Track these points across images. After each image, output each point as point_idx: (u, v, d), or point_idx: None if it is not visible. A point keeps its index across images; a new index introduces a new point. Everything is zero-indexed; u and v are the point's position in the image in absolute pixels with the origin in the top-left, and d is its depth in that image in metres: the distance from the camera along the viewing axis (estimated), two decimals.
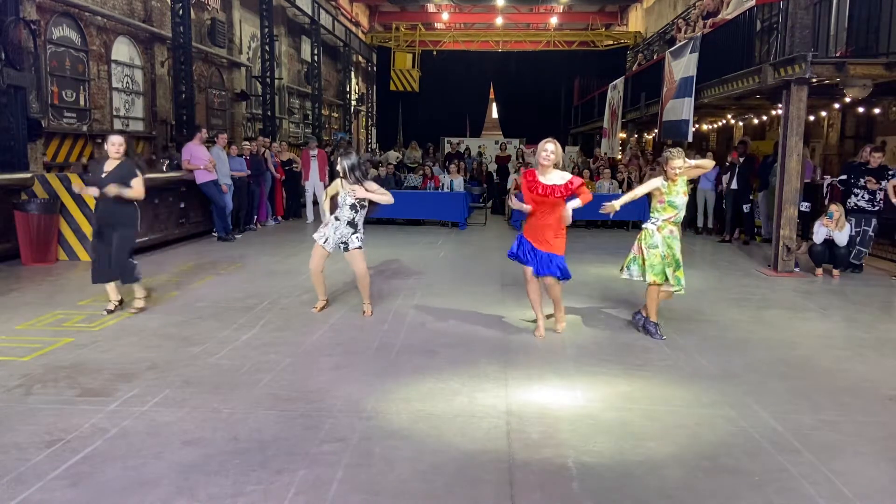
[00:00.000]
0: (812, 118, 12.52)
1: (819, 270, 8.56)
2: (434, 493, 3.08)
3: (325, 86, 24.47)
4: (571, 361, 4.99)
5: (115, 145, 6.00)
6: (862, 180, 8.67)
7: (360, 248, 6.07)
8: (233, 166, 11.35)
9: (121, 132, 6.16)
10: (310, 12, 21.44)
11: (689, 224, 12.93)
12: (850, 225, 8.48)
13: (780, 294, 7.56)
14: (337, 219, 6.05)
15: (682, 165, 5.52)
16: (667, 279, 5.53)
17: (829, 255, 8.50)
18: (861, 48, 8.97)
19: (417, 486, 3.13)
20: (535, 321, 5.77)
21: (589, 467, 3.33)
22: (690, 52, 11.59)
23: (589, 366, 4.89)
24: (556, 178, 5.41)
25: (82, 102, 12.09)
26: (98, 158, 6.17)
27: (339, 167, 5.97)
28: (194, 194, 10.80)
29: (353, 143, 24.54)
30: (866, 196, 8.67)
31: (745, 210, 11.39)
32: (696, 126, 13.66)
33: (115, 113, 13.14)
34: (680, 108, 11.97)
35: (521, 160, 17.40)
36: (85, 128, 12.07)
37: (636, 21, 28.59)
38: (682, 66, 11.91)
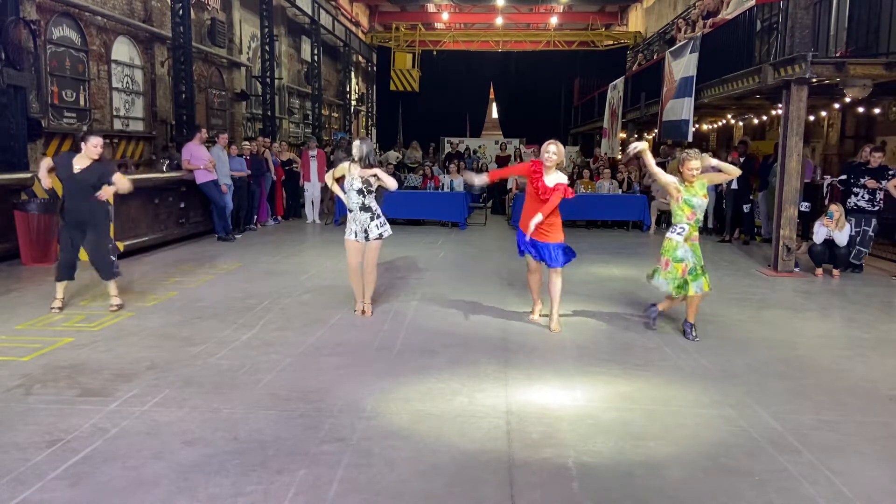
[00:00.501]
0: (812, 118, 12.52)
1: (819, 270, 8.56)
2: (434, 493, 3.08)
3: (325, 86, 24.47)
4: (571, 361, 4.99)
5: (96, 147, 5.91)
6: (862, 180, 8.67)
7: (379, 237, 6.08)
8: (233, 166, 11.36)
9: (105, 135, 6.13)
10: (310, 12, 21.44)
11: None
12: (850, 225, 8.48)
13: (780, 294, 7.56)
14: (350, 210, 6.07)
15: (700, 167, 5.39)
16: (684, 292, 5.48)
17: (829, 255, 8.50)
18: (861, 48, 8.97)
19: (417, 486, 3.13)
20: (531, 313, 6.14)
21: (589, 467, 3.33)
22: (690, 52, 11.60)
23: (589, 366, 4.89)
24: (554, 178, 5.65)
25: (82, 102, 12.09)
26: (62, 155, 6.09)
27: (355, 151, 5.96)
28: (194, 194, 10.81)
29: (352, 143, 24.50)
30: (866, 196, 8.67)
31: (745, 210, 11.39)
32: (696, 126, 13.66)
33: (115, 113, 13.14)
34: (680, 108, 11.97)
35: (520, 160, 17.41)
36: (85, 128, 12.06)
37: (636, 21, 28.58)
38: (682, 66, 11.91)
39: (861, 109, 11.99)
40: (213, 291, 7.13)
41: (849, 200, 8.80)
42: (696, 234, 5.55)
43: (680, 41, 13.22)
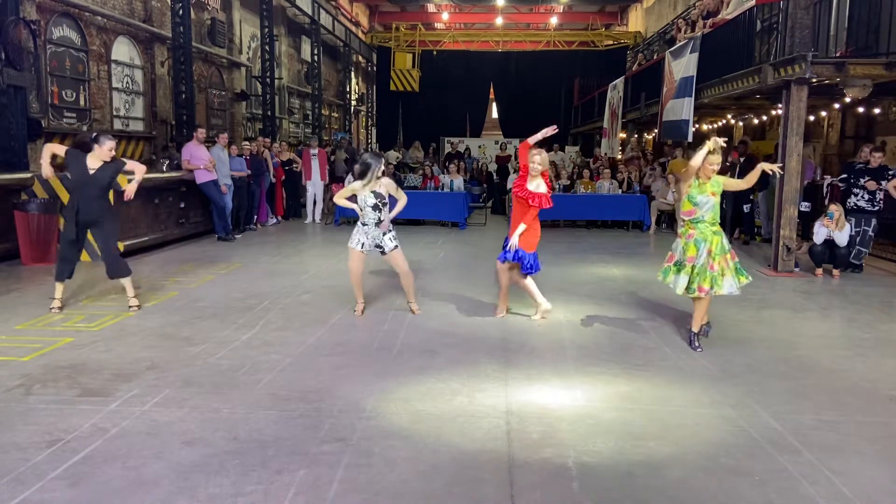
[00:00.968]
0: (812, 118, 12.52)
1: (819, 270, 8.56)
2: (434, 493, 3.08)
3: (325, 86, 24.47)
4: (571, 361, 4.99)
5: (111, 150, 5.98)
6: (862, 180, 8.67)
7: (396, 247, 6.08)
8: (233, 166, 11.36)
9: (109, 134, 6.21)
10: (310, 12, 21.45)
11: None
12: (850, 225, 8.48)
13: (780, 294, 7.56)
14: (364, 224, 6.02)
15: (720, 161, 5.25)
16: (666, 279, 5.45)
17: (829, 255, 8.49)
18: (861, 48, 8.97)
19: (417, 486, 3.13)
20: (535, 313, 6.20)
21: (589, 467, 3.33)
22: (690, 52, 11.60)
23: (589, 366, 4.89)
24: (535, 185, 5.86)
25: (82, 102, 12.10)
26: (73, 152, 6.11)
27: (370, 170, 5.90)
28: (194, 194, 10.81)
29: (353, 143, 24.53)
30: (866, 196, 8.67)
31: (745, 210, 11.39)
32: (696, 126, 13.66)
33: (115, 113, 13.15)
34: (680, 108, 11.97)
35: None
36: (85, 128, 12.07)
37: (636, 21, 28.59)
38: (682, 66, 11.91)
39: (861, 109, 11.99)
40: (213, 291, 7.13)
41: (849, 200, 8.80)
42: (692, 231, 5.33)
43: (680, 41, 13.23)
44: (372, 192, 5.94)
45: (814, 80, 8.24)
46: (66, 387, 4.30)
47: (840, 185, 9.17)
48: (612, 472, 3.29)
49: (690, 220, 5.35)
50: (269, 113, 18.03)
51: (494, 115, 32.43)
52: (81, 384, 4.34)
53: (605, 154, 17.26)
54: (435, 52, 27.68)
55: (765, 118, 14.86)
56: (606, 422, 3.89)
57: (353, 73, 29.12)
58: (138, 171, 6.20)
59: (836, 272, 8.54)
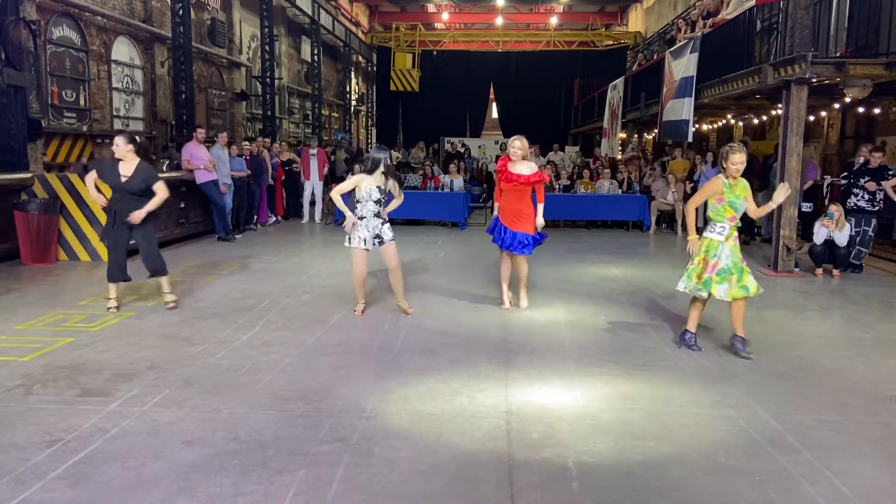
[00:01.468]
0: (812, 118, 12.52)
1: (819, 270, 8.56)
2: (434, 493, 3.08)
3: (325, 86, 24.47)
4: (571, 361, 4.99)
5: (117, 145, 6.03)
6: (862, 181, 8.67)
7: (393, 239, 6.13)
8: (233, 166, 11.36)
9: (124, 132, 6.32)
10: (310, 12, 21.44)
11: None
12: (850, 225, 8.48)
13: (780, 294, 7.56)
14: (362, 217, 6.03)
15: (744, 160, 5.08)
16: (706, 290, 5.12)
17: (829, 256, 8.49)
18: (861, 48, 8.97)
19: (417, 486, 3.13)
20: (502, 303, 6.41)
21: (589, 467, 3.33)
22: (690, 52, 11.60)
23: (589, 366, 4.89)
24: (524, 168, 6.26)
25: (82, 102, 12.10)
26: (103, 160, 6.23)
27: (381, 163, 5.97)
28: (194, 194, 10.81)
29: (353, 143, 24.52)
30: (866, 196, 8.67)
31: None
32: (696, 126, 13.67)
33: (115, 113, 13.15)
34: (680, 108, 11.97)
35: None
36: (85, 128, 12.08)
37: (636, 21, 28.59)
38: (682, 66, 11.91)
39: (861, 109, 11.99)
40: (213, 291, 7.13)
41: (848, 200, 8.80)
42: (736, 234, 5.22)
43: (680, 41, 13.23)
44: (377, 186, 5.97)
45: (814, 80, 8.24)
46: (66, 387, 4.30)
47: (843, 180, 9.16)
48: (612, 472, 3.29)
49: (733, 224, 5.18)
50: (269, 113, 18.03)
51: (494, 115, 32.44)
52: (81, 384, 4.34)
53: (606, 154, 17.26)
54: (435, 52, 27.68)
55: (765, 118, 14.85)
56: (606, 422, 3.89)
57: (353, 73, 29.12)
58: (158, 197, 6.11)
59: (836, 272, 8.54)
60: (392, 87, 27.07)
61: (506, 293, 6.58)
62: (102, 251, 8.86)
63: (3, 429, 3.66)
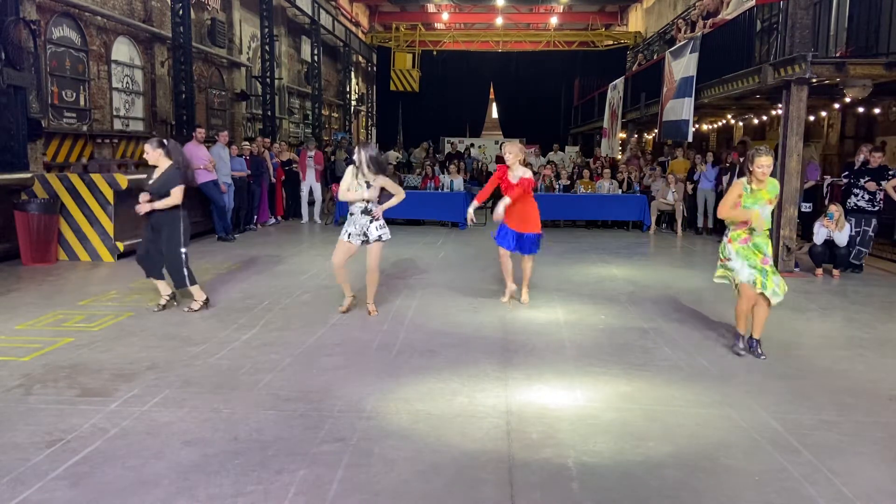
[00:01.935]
0: (812, 118, 12.52)
1: (819, 270, 8.56)
2: (434, 494, 3.08)
3: (325, 86, 24.47)
4: (571, 361, 4.99)
5: (147, 153, 6.19)
6: (862, 181, 8.67)
7: (379, 239, 6.11)
8: (233, 166, 11.36)
9: (151, 139, 6.41)
10: (310, 12, 21.44)
11: (689, 224, 12.96)
12: (850, 225, 8.48)
13: None
14: (351, 213, 6.10)
15: (771, 164, 4.93)
16: (732, 276, 5.13)
17: (829, 256, 8.50)
18: (861, 48, 8.97)
19: (417, 486, 3.13)
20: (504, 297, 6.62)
21: (589, 467, 3.33)
22: (690, 52, 11.61)
23: (589, 366, 4.89)
24: (518, 174, 6.55)
25: (82, 102, 12.09)
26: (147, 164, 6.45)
27: (356, 157, 5.96)
28: (194, 194, 10.79)
29: (353, 143, 24.54)
30: (866, 196, 8.67)
31: None
32: (696, 126, 13.67)
33: (115, 113, 13.14)
34: (680, 108, 11.98)
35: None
36: (85, 128, 12.07)
37: (636, 21, 28.60)
38: (682, 66, 11.92)
39: (861, 109, 12.00)
40: (213, 291, 7.12)
41: (848, 201, 8.80)
42: (745, 236, 5.07)
43: (680, 41, 13.23)
44: (366, 182, 5.97)
45: (814, 80, 8.25)
46: (66, 387, 4.30)
47: (844, 180, 9.16)
48: (612, 472, 3.29)
49: (744, 228, 5.07)
50: (269, 113, 18.02)
51: (494, 115, 32.45)
52: (81, 384, 4.34)
53: (606, 154, 17.26)
54: (435, 53, 27.70)
55: (765, 118, 14.86)
56: (606, 422, 3.89)
57: (353, 73, 29.11)
58: (166, 199, 6.06)
59: (836, 272, 8.54)
60: (392, 88, 27.08)
61: (509, 287, 6.78)
62: (103, 251, 8.87)
63: (3, 429, 3.66)
